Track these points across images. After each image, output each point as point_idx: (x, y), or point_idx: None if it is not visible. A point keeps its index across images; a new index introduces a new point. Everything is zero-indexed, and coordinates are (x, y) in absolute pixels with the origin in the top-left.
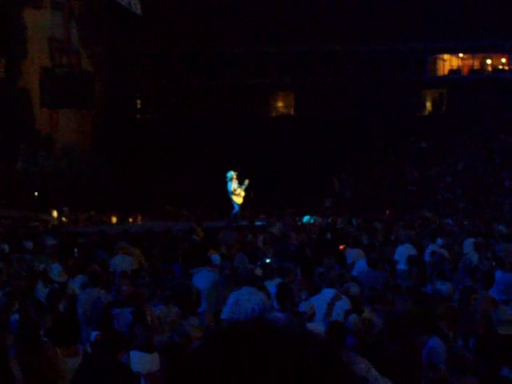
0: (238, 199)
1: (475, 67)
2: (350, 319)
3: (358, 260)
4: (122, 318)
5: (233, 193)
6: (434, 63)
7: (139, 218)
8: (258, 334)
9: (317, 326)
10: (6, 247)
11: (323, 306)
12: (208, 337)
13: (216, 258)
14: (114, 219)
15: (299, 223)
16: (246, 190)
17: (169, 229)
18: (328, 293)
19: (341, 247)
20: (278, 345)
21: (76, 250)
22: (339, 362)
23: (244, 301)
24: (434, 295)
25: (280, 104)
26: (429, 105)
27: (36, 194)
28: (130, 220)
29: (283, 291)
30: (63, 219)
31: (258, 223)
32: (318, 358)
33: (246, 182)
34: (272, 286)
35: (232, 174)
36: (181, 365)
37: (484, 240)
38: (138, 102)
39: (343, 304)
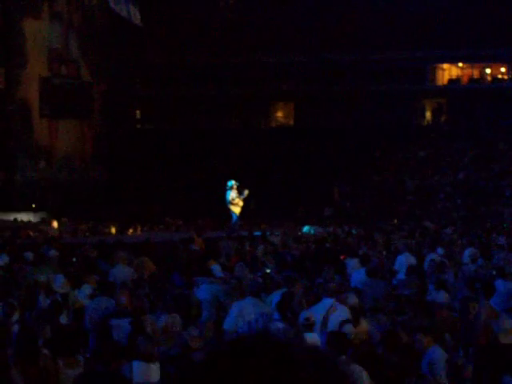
0: (236, 209)
1: (475, 76)
2: (345, 329)
3: (354, 271)
4: (121, 329)
5: (231, 202)
6: (434, 72)
7: (139, 228)
8: (259, 351)
9: (316, 336)
10: (6, 258)
11: (322, 316)
12: (210, 353)
13: (216, 268)
14: (114, 230)
15: (299, 233)
16: (245, 200)
17: (170, 239)
18: (327, 302)
19: (342, 257)
20: (279, 361)
21: (75, 259)
22: (340, 377)
23: (247, 312)
24: (433, 304)
25: (279, 114)
26: (428, 114)
27: (33, 205)
28: (130, 231)
29: (284, 301)
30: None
31: (258, 233)
32: (322, 374)
33: (246, 192)
34: (276, 296)
35: (233, 183)
36: (181, 381)
37: (483, 250)
38: (138, 112)
39: (340, 314)
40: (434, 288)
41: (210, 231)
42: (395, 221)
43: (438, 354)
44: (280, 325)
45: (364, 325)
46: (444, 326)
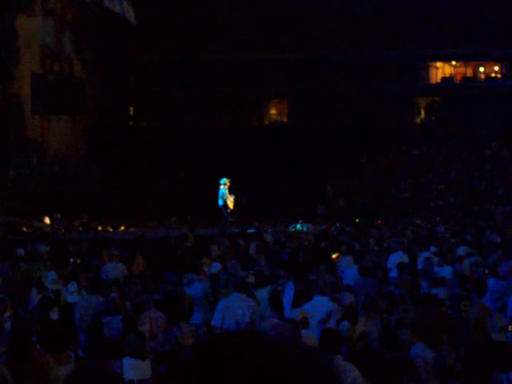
0: (229, 205)
1: (468, 75)
2: (342, 327)
3: (347, 268)
4: (112, 326)
5: (224, 198)
6: (427, 71)
7: (132, 225)
8: (245, 348)
9: (311, 334)
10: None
11: (315, 313)
12: (196, 350)
13: (216, 265)
14: (107, 226)
15: (293, 229)
16: (237, 198)
17: (163, 236)
18: (320, 300)
19: (334, 256)
20: (269, 359)
21: (72, 259)
22: (330, 376)
23: (233, 307)
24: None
25: (273, 111)
26: (421, 112)
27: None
28: (122, 227)
29: (278, 298)
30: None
31: (251, 230)
32: (309, 371)
33: (233, 197)
34: (263, 292)
35: (225, 180)
36: (171, 377)
37: (477, 248)
38: (131, 108)
39: (335, 313)
40: (432, 285)
41: (202, 228)
42: (379, 221)
43: (422, 352)
44: (275, 320)
45: (362, 323)
46: (441, 323)
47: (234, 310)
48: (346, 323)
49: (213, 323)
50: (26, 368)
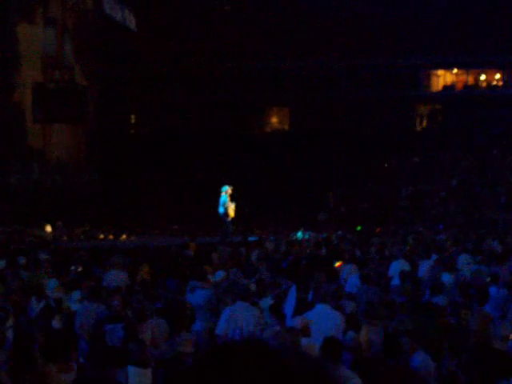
0: (230, 213)
1: (469, 83)
2: (348, 336)
3: (350, 276)
4: (115, 334)
5: (224, 206)
6: (428, 79)
7: (133, 233)
8: (250, 357)
9: (310, 342)
10: (2, 263)
11: (317, 321)
12: (201, 358)
13: (220, 273)
14: (108, 234)
15: (294, 238)
16: (238, 206)
17: (165, 244)
18: (321, 308)
19: (337, 264)
20: (271, 368)
21: (74, 267)
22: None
23: (238, 316)
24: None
25: (275, 119)
26: (423, 120)
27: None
28: (124, 236)
29: (279, 305)
30: (59, 235)
31: (252, 238)
32: (311, 380)
33: (233, 205)
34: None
35: (227, 188)
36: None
37: (477, 256)
38: (133, 117)
39: (337, 320)
40: (432, 293)
41: (203, 236)
42: (378, 229)
43: (421, 360)
44: (277, 329)
45: (364, 331)
46: (441, 331)
47: (239, 318)
48: (351, 333)
49: (217, 332)
50: (28, 377)
